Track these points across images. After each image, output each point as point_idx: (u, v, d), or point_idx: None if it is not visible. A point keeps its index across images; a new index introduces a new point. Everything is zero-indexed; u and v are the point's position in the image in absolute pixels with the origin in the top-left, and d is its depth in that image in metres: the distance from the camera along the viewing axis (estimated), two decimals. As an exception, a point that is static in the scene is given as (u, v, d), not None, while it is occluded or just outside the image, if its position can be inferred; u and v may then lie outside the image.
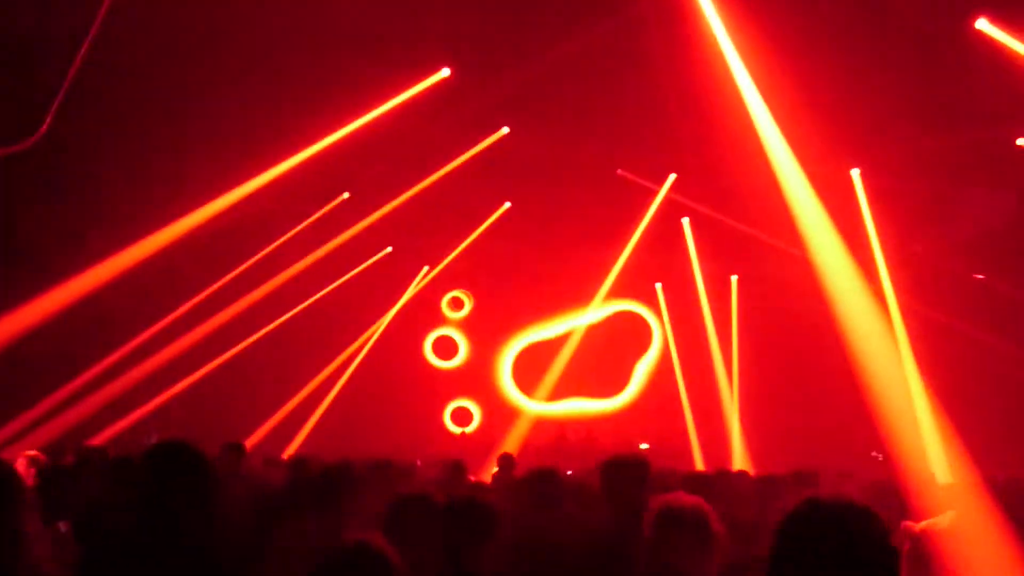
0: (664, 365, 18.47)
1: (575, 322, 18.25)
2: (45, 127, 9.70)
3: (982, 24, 9.96)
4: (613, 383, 19.06)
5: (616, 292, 17.14)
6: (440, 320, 19.27)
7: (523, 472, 5.29)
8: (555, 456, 14.11)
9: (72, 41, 9.41)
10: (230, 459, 7.00)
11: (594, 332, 18.28)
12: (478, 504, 3.66)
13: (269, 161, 12.43)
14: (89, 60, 9.60)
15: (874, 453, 10.63)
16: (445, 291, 18.77)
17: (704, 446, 17.24)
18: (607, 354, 18.51)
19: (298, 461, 7.13)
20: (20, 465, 5.72)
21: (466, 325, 19.32)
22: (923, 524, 5.25)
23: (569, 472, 7.85)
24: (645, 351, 19.08)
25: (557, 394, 18.28)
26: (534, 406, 18.34)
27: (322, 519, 5.27)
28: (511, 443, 15.06)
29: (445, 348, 19.40)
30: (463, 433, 18.71)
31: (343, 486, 4.60)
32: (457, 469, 7.12)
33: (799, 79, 10.57)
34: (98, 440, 11.41)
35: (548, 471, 4.59)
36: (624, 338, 18.91)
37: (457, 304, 19.32)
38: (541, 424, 18.08)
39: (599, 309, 18.18)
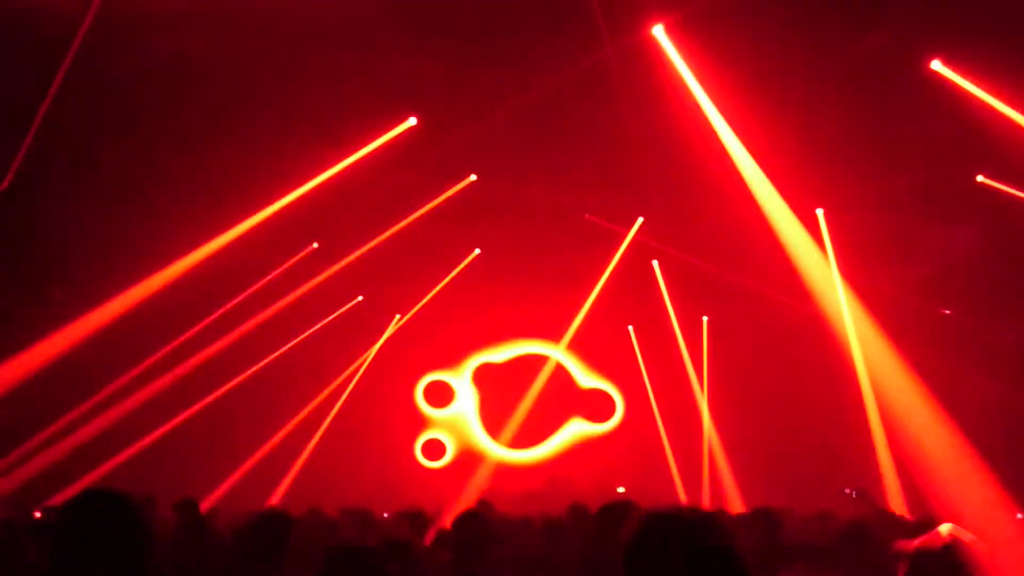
0: (642, 407, 18.39)
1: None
2: (6, 183, 9.72)
3: (936, 66, 10.18)
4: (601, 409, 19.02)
5: (587, 335, 17.09)
6: (420, 367, 19.00)
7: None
8: (536, 501, 13.94)
9: (30, 103, 9.47)
10: (184, 517, 6.90)
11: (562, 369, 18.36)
12: (358, 551, 3.57)
13: (239, 213, 12.46)
14: (53, 114, 9.66)
15: (847, 490, 10.58)
16: (418, 338, 18.18)
17: (685, 487, 17.15)
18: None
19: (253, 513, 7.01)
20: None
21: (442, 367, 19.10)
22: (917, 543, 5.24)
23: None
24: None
25: (536, 431, 18.22)
26: (501, 451, 18.23)
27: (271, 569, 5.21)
28: (477, 489, 14.92)
29: (437, 395, 19.11)
30: (434, 468, 18.39)
31: (280, 534, 4.57)
32: (416, 519, 7.01)
33: (763, 121, 10.73)
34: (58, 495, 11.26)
35: (473, 513, 4.61)
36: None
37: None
38: (522, 470, 17.99)
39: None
